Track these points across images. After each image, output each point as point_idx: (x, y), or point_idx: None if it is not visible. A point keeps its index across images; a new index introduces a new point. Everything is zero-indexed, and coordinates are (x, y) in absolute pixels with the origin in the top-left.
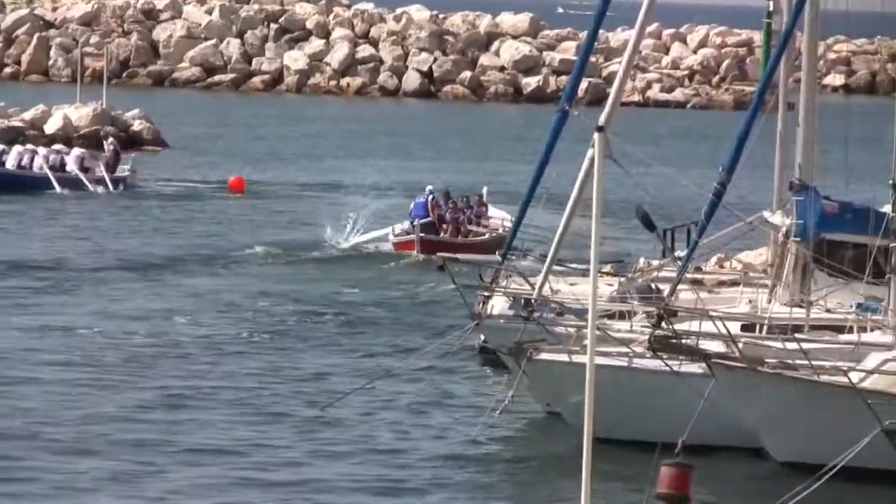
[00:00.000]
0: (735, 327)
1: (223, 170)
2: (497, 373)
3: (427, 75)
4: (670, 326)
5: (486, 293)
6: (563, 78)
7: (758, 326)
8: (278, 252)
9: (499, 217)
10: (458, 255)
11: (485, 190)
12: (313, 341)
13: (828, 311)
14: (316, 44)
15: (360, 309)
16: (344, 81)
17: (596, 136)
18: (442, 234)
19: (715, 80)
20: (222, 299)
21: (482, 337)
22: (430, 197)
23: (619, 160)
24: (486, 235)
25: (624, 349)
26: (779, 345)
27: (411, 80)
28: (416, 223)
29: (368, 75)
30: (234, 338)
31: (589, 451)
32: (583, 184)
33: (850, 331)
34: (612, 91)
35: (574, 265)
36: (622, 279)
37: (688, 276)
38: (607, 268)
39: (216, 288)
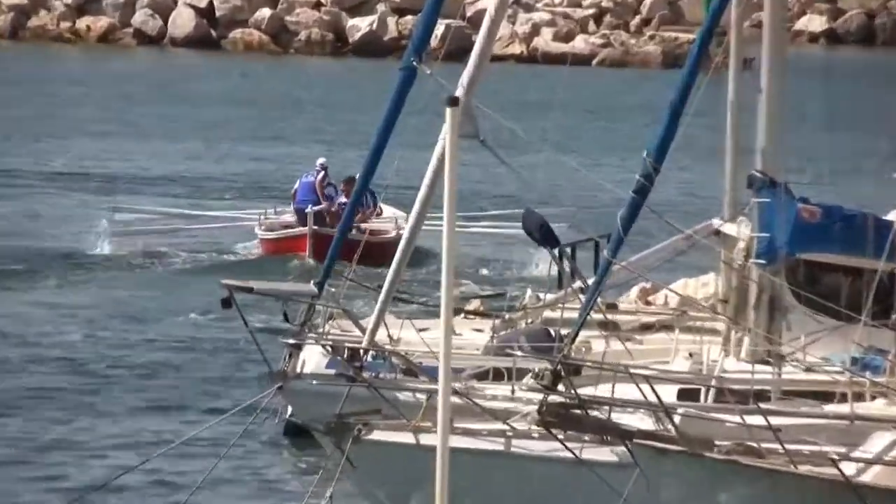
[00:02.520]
0: (669, 392)
1: None
2: (312, 457)
3: (206, 14)
4: (571, 390)
5: (293, 342)
6: (409, 19)
7: (703, 391)
8: (39, 269)
9: (390, 214)
10: (254, 285)
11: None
12: (66, 399)
13: (808, 368)
14: None
15: (148, 350)
16: (82, 23)
17: (448, 110)
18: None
19: (634, 22)
20: None
21: (289, 407)
22: (322, 174)
23: (492, 143)
24: (393, 233)
25: (499, 425)
26: (735, 419)
27: (182, 22)
28: (309, 210)
29: (118, 14)
30: None
31: None
32: (435, 178)
33: (843, 398)
34: (479, 40)
35: (423, 299)
36: (497, 321)
37: (596, 315)
38: (475, 303)
39: None
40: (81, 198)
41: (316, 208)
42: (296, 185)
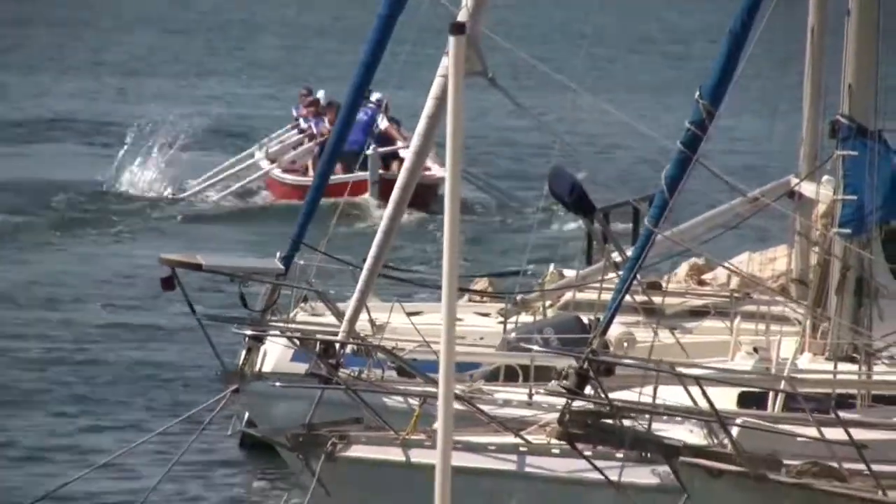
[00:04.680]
0: (726, 397)
1: None
2: (274, 478)
3: None
4: (602, 394)
5: (252, 332)
6: None
7: (770, 396)
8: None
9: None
10: (203, 260)
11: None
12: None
13: None
14: None
15: (85, 340)
16: None
17: (452, 40)
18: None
19: None
20: None
21: (246, 414)
22: (379, 111)
23: (502, 81)
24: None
25: (512, 439)
26: (811, 432)
27: None
28: (372, 150)
29: None
30: None
31: None
32: (432, 125)
33: None
34: None
35: (418, 272)
36: (509, 304)
37: (635, 297)
38: (482, 282)
39: None
40: None
41: (382, 150)
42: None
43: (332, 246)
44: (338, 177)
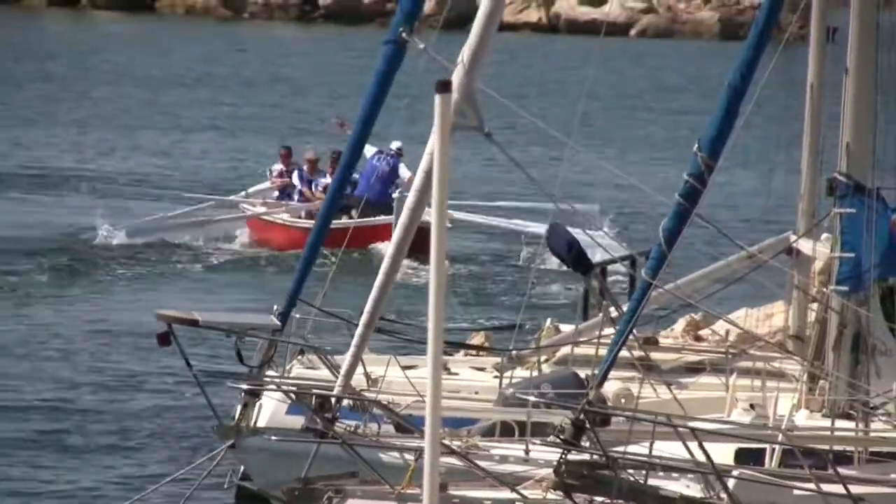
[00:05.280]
0: (723, 452)
1: None
2: None
3: None
4: (597, 446)
5: (248, 387)
6: None
7: (768, 451)
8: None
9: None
10: (199, 317)
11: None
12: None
13: None
14: None
15: (76, 391)
16: None
17: (438, 98)
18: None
19: None
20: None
21: (241, 468)
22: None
23: (496, 135)
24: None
25: (508, 494)
26: (809, 486)
27: None
28: (399, 194)
29: None
30: None
31: None
32: (427, 180)
33: None
34: (484, 4)
35: (411, 324)
36: (503, 358)
37: (633, 352)
38: (479, 336)
39: None
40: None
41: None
42: (366, 167)
43: (354, 294)
44: (366, 220)
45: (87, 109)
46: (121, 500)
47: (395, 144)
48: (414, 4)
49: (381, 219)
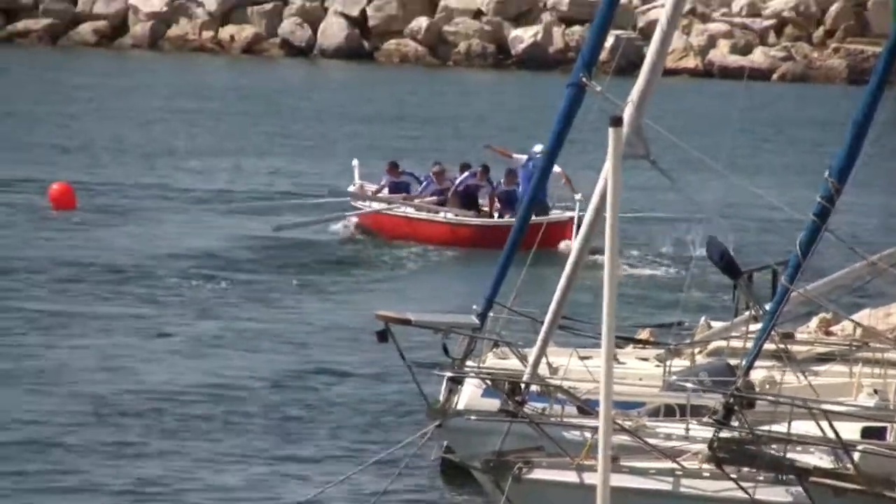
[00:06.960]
0: (851, 431)
1: (36, 170)
2: (469, 495)
3: (358, 24)
4: (744, 425)
5: (452, 375)
6: (576, 29)
7: (890, 428)
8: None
9: None
10: (412, 317)
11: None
12: (193, 434)
13: None
14: None
15: (289, 381)
16: (225, 32)
17: (611, 131)
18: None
19: (817, 34)
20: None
21: (444, 443)
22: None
23: (662, 163)
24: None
25: (669, 464)
26: None
27: (333, 32)
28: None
29: (265, 23)
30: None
31: None
32: (602, 202)
33: None
34: (650, 53)
35: (589, 323)
36: (665, 350)
37: (773, 345)
38: (645, 332)
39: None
40: (236, 217)
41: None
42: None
43: (542, 289)
44: (540, 218)
45: (316, 140)
46: (340, 473)
47: (537, 147)
48: (592, 53)
49: (567, 215)
